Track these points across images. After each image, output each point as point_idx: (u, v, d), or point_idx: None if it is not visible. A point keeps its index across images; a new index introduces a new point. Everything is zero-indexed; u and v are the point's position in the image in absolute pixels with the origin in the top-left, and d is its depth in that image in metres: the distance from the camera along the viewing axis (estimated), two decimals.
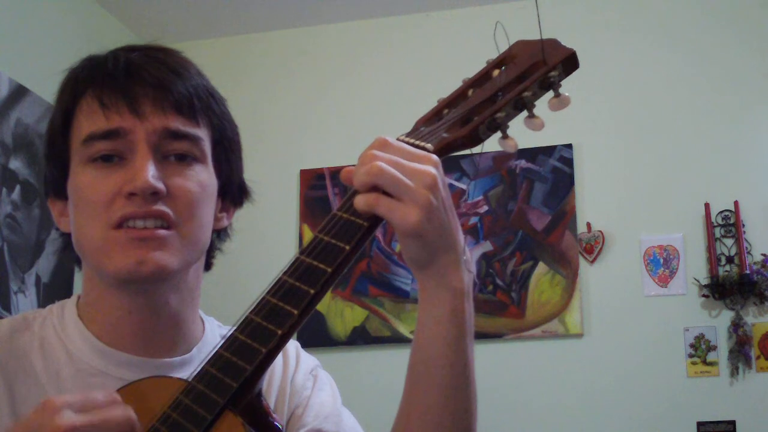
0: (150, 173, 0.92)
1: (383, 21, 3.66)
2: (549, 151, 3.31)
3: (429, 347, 0.84)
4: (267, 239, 3.40)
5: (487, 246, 3.32)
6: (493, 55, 0.91)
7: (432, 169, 0.80)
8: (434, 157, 0.81)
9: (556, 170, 3.32)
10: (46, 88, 3.05)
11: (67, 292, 3.05)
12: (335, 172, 3.48)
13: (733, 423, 2.95)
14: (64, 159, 0.99)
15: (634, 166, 3.29)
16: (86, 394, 0.73)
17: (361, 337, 3.34)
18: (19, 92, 2.95)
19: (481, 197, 3.37)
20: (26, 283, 2.93)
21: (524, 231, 3.30)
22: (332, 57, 3.69)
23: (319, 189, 3.51)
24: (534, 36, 0.92)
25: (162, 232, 0.93)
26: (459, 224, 0.84)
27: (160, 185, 0.92)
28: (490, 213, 3.35)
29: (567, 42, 0.88)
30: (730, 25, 3.35)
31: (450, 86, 0.89)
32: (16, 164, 2.92)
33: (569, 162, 3.31)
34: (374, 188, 0.79)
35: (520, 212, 3.32)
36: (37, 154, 3.01)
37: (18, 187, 2.93)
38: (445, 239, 0.81)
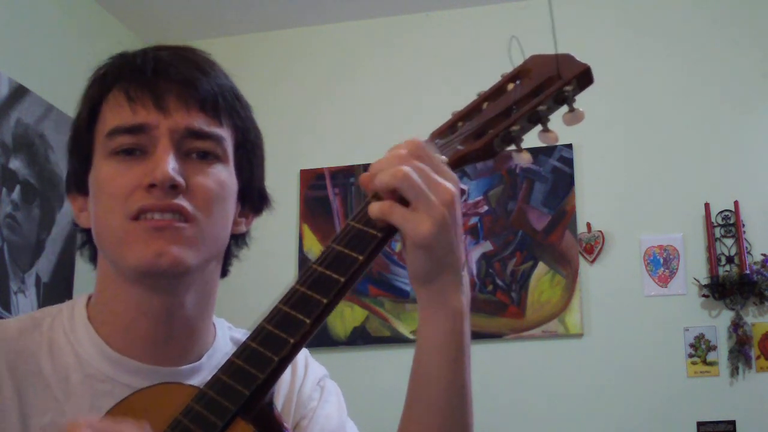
0: (170, 165, 0.92)
1: (383, 21, 3.66)
2: (549, 151, 3.31)
3: (428, 367, 0.85)
4: (267, 239, 3.38)
5: (487, 246, 3.32)
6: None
7: (453, 187, 0.81)
8: (455, 175, 0.83)
9: (556, 170, 3.32)
10: (46, 88, 3.04)
11: (67, 292, 3.05)
12: (335, 172, 3.48)
13: (733, 423, 2.96)
14: (88, 152, 0.99)
15: (634, 166, 3.29)
16: (113, 424, 0.75)
17: (361, 337, 3.34)
18: (19, 92, 2.95)
19: (481, 197, 3.37)
20: (26, 283, 2.92)
21: (524, 231, 3.30)
22: (332, 57, 3.69)
23: (319, 189, 3.50)
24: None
25: (180, 224, 0.93)
26: (463, 247, 0.86)
27: (180, 179, 0.92)
28: (490, 213, 3.35)
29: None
30: (729, 25, 3.35)
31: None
32: (16, 164, 2.92)
33: (569, 162, 3.31)
34: (392, 192, 0.80)
35: (520, 212, 3.32)
36: (37, 154, 3.01)
37: (18, 187, 2.92)
38: (450, 257, 0.82)
